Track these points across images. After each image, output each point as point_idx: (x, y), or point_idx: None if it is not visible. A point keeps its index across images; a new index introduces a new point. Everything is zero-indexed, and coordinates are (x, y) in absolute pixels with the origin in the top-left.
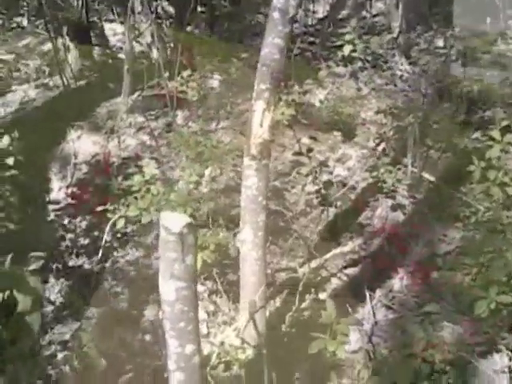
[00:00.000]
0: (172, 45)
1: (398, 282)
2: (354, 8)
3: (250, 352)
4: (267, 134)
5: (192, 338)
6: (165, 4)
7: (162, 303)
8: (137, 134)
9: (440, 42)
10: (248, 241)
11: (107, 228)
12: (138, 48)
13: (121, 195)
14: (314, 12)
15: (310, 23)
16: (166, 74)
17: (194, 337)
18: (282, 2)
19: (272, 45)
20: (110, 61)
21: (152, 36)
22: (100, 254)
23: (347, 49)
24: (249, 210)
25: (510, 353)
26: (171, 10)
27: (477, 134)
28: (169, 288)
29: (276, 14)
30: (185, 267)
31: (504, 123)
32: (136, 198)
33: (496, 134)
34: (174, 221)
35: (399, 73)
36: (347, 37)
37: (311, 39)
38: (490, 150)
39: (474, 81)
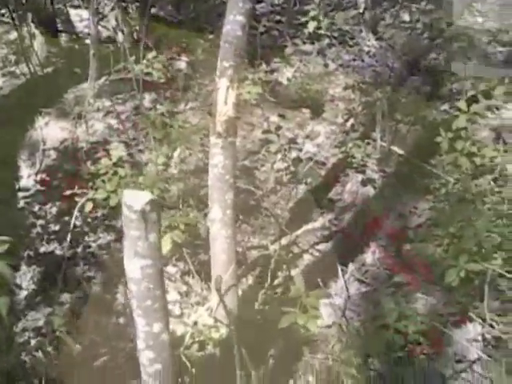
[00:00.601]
0: (137, 27)
1: (371, 255)
2: None
3: (223, 331)
4: (232, 112)
5: (159, 316)
6: None
7: (128, 282)
8: (104, 119)
9: (406, 16)
10: (217, 219)
11: (75, 212)
12: (105, 33)
13: (90, 180)
14: None
15: (276, 2)
16: (133, 58)
17: (161, 315)
18: None
19: (234, 22)
20: (77, 46)
21: (116, 20)
22: (68, 239)
23: (312, 25)
24: (216, 188)
25: (482, 321)
26: None
27: (445, 106)
28: (134, 266)
29: None
30: (148, 245)
31: (470, 93)
32: (104, 181)
33: (462, 104)
34: (136, 199)
35: (366, 48)
36: (311, 13)
37: (278, 18)
38: (456, 121)
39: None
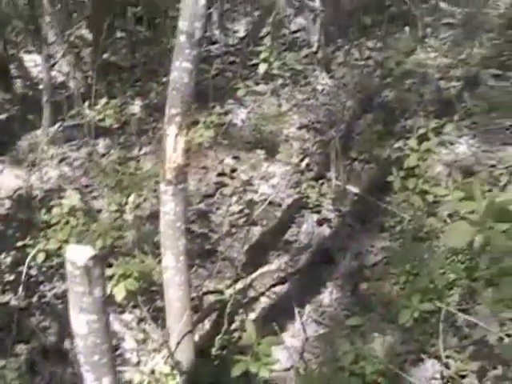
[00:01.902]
0: (90, 73)
1: (328, 296)
2: (274, 25)
3: (179, 378)
4: (181, 159)
5: (107, 370)
6: (84, 32)
7: (75, 337)
8: (59, 166)
9: (357, 54)
10: (170, 267)
11: (26, 263)
12: (59, 78)
13: (43, 228)
14: (234, 31)
15: (230, 43)
16: (86, 103)
17: (109, 369)
18: (186, 25)
19: (180, 69)
20: (31, 92)
21: (69, 65)
22: (21, 290)
23: (263, 67)
24: (168, 235)
25: (439, 360)
26: (90, 37)
27: (399, 143)
28: (80, 321)
29: (182, 38)
30: (93, 300)
31: (421, 131)
32: (55, 230)
33: (413, 142)
34: (79, 254)
35: (320, 87)
36: (262, 55)
37: (232, 59)
38: (407, 159)
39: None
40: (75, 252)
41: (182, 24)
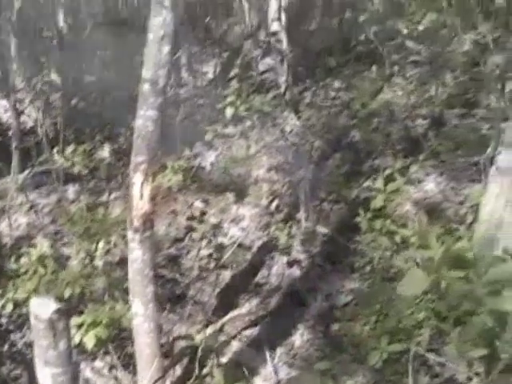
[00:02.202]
0: (59, 118)
1: (299, 337)
2: (242, 67)
3: None
4: (148, 206)
5: None
6: (53, 77)
7: None
8: (28, 213)
9: (324, 95)
10: (139, 313)
11: None
12: (29, 123)
13: (13, 277)
14: (203, 73)
15: (199, 85)
16: (55, 149)
17: None
18: (150, 73)
19: (145, 117)
20: (0, 139)
21: (37, 111)
22: None
23: (230, 111)
24: (136, 282)
25: None
26: (59, 82)
27: (368, 183)
28: (45, 375)
29: (146, 86)
30: (58, 353)
31: (387, 172)
32: (24, 280)
33: (379, 183)
34: (43, 307)
35: (288, 128)
36: (229, 98)
37: (200, 101)
38: (374, 200)
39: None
40: (39, 305)
41: (146, 72)
